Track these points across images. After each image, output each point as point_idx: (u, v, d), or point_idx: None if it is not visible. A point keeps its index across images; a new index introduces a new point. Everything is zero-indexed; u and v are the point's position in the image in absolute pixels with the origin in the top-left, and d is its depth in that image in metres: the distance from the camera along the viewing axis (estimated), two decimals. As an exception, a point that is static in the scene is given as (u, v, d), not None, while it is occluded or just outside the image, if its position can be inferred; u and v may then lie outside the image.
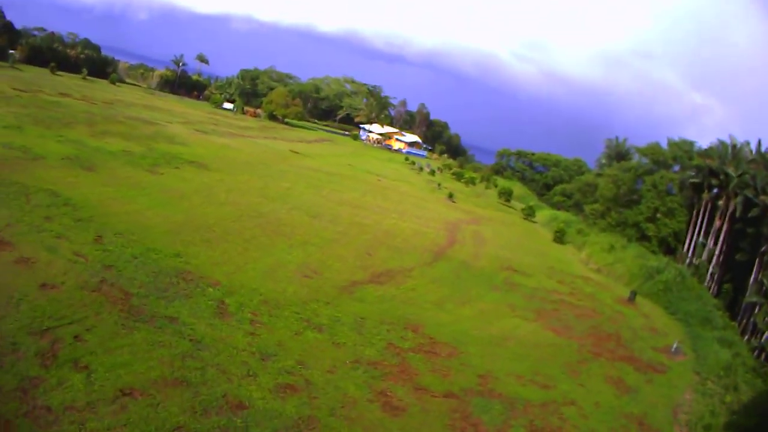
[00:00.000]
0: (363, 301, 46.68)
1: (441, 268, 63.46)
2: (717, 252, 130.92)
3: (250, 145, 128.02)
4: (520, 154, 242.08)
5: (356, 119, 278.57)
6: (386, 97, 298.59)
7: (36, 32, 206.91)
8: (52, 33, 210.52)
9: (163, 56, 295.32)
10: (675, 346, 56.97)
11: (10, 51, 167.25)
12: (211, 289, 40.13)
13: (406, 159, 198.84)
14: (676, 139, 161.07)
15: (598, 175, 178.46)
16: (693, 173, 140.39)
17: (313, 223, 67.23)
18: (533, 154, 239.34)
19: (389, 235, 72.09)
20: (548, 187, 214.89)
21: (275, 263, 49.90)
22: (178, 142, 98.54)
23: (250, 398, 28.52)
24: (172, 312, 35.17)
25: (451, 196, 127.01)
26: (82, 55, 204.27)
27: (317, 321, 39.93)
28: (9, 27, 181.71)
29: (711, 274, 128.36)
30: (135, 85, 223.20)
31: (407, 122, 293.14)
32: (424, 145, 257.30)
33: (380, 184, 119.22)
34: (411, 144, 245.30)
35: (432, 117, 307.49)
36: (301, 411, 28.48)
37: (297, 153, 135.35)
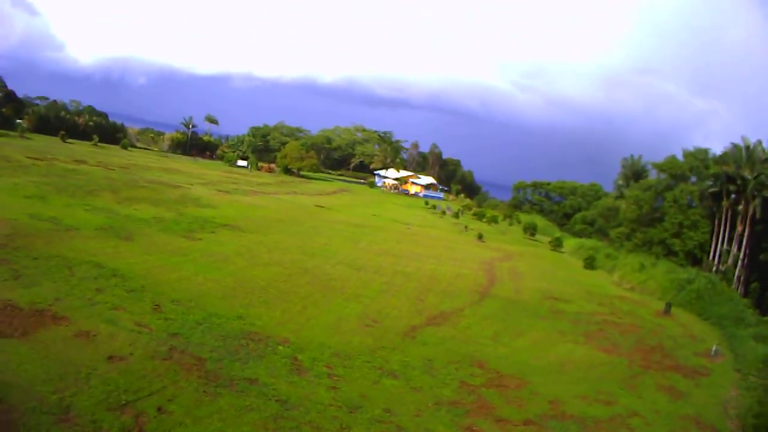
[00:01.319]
0: (426, 343, 48.51)
1: (488, 305, 65.80)
2: (741, 256, 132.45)
3: (275, 202, 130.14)
4: (535, 186, 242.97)
5: (371, 166, 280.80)
6: (398, 141, 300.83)
7: (38, 101, 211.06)
8: (55, 101, 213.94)
9: (166, 119, 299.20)
10: (714, 349, 59.42)
11: (18, 121, 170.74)
12: (281, 347, 41.15)
13: (426, 203, 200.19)
14: (691, 149, 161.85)
15: (618, 197, 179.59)
16: (711, 182, 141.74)
17: (359, 275, 69.09)
18: (549, 184, 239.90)
19: (433, 279, 74.23)
20: (568, 216, 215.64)
21: (336, 317, 51.29)
22: (206, 204, 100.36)
23: None
24: (249, 374, 35.44)
25: (480, 236, 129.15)
26: (90, 122, 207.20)
27: (389, 368, 41.50)
28: (12, 96, 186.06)
29: (737, 277, 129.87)
30: (146, 149, 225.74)
31: (420, 164, 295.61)
32: (440, 187, 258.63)
33: (410, 232, 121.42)
34: (427, 186, 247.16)
35: (443, 156, 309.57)
36: None
37: (322, 207, 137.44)
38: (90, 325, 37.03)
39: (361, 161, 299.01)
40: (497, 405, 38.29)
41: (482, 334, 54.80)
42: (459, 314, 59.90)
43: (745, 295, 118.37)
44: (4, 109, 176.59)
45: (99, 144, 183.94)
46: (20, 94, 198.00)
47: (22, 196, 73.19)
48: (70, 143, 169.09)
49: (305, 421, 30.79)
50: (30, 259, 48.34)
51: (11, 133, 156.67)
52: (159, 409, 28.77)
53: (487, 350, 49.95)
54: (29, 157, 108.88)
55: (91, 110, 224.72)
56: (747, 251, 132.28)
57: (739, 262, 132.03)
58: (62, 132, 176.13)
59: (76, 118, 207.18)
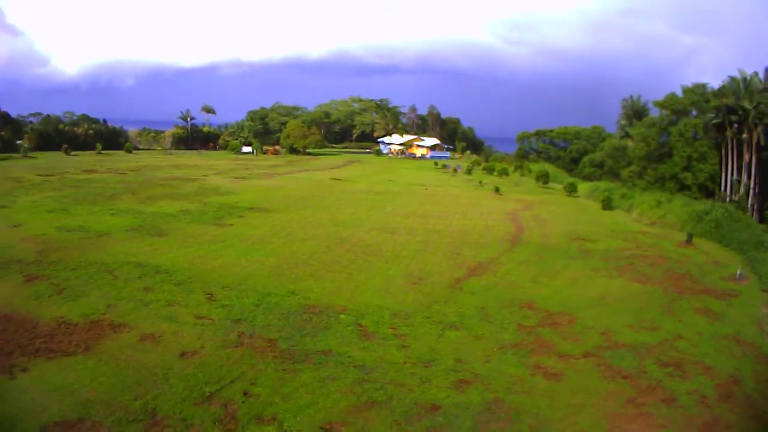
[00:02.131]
0: (474, 293, 50.49)
1: (521, 252, 67.78)
2: (752, 185, 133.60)
3: (292, 181, 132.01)
4: (539, 134, 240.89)
5: (374, 134, 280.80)
6: (395, 107, 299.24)
7: (32, 118, 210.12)
8: (49, 116, 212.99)
9: (160, 116, 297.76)
10: (739, 272, 61.57)
11: (18, 141, 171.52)
12: (342, 316, 42.73)
13: (435, 164, 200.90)
14: (688, 85, 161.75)
15: (623, 137, 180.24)
16: (713, 115, 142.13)
17: (394, 238, 71.24)
18: (551, 131, 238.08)
19: (464, 234, 76.35)
20: (575, 161, 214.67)
21: (383, 279, 53.18)
22: (225, 192, 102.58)
23: (437, 399, 30.71)
24: (321, 346, 36.99)
25: (497, 189, 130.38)
26: (90, 131, 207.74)
27: (449, 320, 43.36)
28: (7, 118, 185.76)
29: (751, 206, 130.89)
30: (150, 149, 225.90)
31: (420, 127, 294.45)
32: (445, 146, 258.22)
33: (429, 193, 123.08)
34: (432, 147, 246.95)
35: (442, 116, 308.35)
36: (484, 397, 31.20)
37: (339, 180, 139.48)
38: (151, 327, 38.48)
39: (362, 131, 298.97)
40: (556, 342, 40.56)
41: (522, 278, 56.85)
42: (496, 263, 62.09)
43: (761, 221, 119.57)
44: (3, 132, 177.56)
45: (103, 152, 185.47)
46: (13, 113, 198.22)
47: (43, 211, 74.53)
48: (75, 155, 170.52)
49: (387, 381, 32.62)
50: (69, 271, 49.54)
51: (15, 155, 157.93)
52: (245, 394, 30.11)
53: (532, 292, 52.08)
54: (39, 175, 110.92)
55: (86, 118, 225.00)
56: (756, 180, 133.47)
57: (751, 191, 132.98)
58: (65, 146, 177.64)
59: (76, 129, 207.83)
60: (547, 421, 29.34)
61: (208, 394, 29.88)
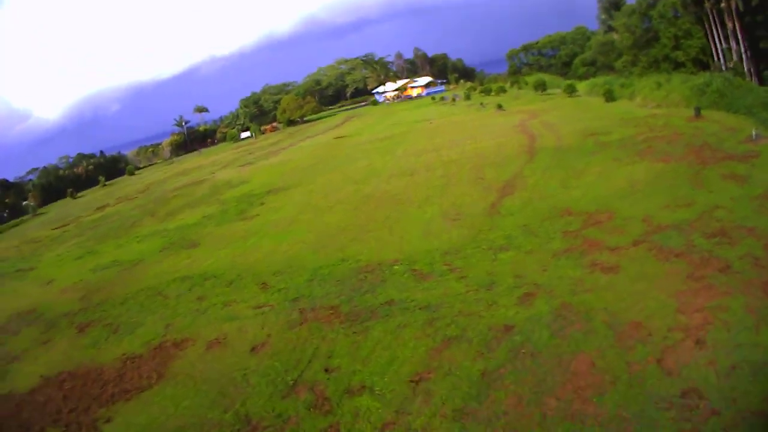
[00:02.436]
0: (512, 214, 51.14)
1: (541, 159, 68.35)
2: (743, 50, 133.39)
3: (297, 152, 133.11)
4: (526, 48, 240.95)
5: (369, 87, 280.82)
6: (382, 58, 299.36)
7: (31, 176, 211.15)
8: (45, 167, 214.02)
9: (154, 131, 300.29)
10: (754, 133, 61.37)
11: (24, 203, 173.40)
12: (396, 267, 43.57)
13: (433, 98, 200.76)
14: None
15: (607, 31, 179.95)
16: None
17: (416, 179, 71.95)
18: (537, 43, 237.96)
19: (481, 157, 76.62)
20: (567, 65, 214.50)
21: (422, 224, 53.90)
22: (238, 183, 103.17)
23: (508, 318, 31.62)
24: (383, 299, 37.74)
25: (500, 106, 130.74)
26: (90, 167, 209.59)
27: (497, 244, 44.18)
28: (5, 184, 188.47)
29: (748, 70, 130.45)
30: (151, 164, 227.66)
31: (410, 71, 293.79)
32: (439, 81, 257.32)
33: (434, 126, 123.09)
34: (427, 85, 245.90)
35: (429, 55, 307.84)
36: (551, 305, 32.14)
37: (342, 137, 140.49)
38: (214, 332, 38.99)
39: (355, 88, 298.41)
40: (603, 238, 41.30)
41: (551, 186, 57.50)
42: (521, 177, 62.69)
43: (761, 83, 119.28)
44: (7, 200, 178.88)
45: (107, 183, 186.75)
46: (10, 177, 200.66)
47: (71, 260, 74.98)
48: (81, 196, 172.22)
49: (455, 314, 33.47)
50: (118, 306, 50.00)
51: (24, 217, 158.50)
52: (326, 370, 30.45)
53: (564, 198, 52.79)
54: (55, 228, 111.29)
55: (83, 156, 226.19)
56: (746, 44, 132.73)
57: (744, 56, 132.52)
58: (69, 190, 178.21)
59: (75, 170, 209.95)
60: (618, 312, 30.20)
61: (291, 382, 30.27)
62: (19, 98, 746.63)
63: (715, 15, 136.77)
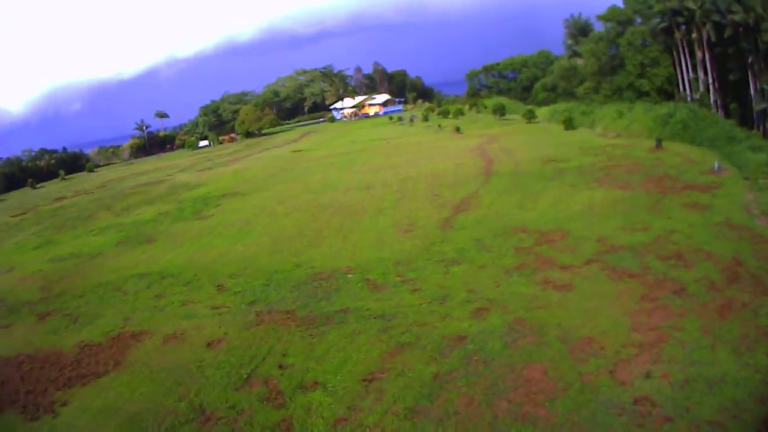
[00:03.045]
0: (465, 228, 51.31)
1: (498, 182, 68.37)
2: (710, 81, 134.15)
3: (255, 161, 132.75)
4: (486, 69, 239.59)
5: (327, 102, 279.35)
6: (340, 72, 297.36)
7: None
8: (8, 158, 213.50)
9: (114, 131, 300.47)
10: (716, 165, 62.09)
11: None
12: (350, 276, 43.61)
13: (390, 118, 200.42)
14: None
15: (571, 56, 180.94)
16: (659, 19, 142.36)
17: (372, 193, 71.80)
18: (498, 64, 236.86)
19: (437, 176, 76.61)
20: (527, 89, 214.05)
21: (375, 233, 54.15)
22: (195, 185, 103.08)
23: (462, 330, 31.63)
24: (338, 306, 37.73)
25: (458, 129, 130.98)
26: (52, 161, 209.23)
27: (449, 257, 44.31)
28: None
29: (714, 102, 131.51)
30: (110, 164, 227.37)
31: (369, 87, 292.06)
32: (397, 100, 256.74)
33: (391, 145, 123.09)
34: (384, 104, 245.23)
35: (388, 71, 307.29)
36: (504, 319, 32.13)
37: (300, 151, 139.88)
38: (172, 327, 38.92)
39: (313, 102, 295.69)
40: (556, 256, 41.40)
41: (507, 206, 57.51)
42: (477, 197, 62.78)
43: (727, 117, 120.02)
44: None
45: (66, 177, 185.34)
46: None
47: (30, 249, 74.31)
48: (41, 187, 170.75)
49: (409, 324, 33.46)
50: (78, 298, 49.44)
51: None
52: (280, 367, 30.62)
53: (520, 217, 52.83)
54: (14, 216, 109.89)
55: (45, 151, 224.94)
56: (714, 75, 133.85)
57: (711, 87, 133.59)
58: (30, 180, 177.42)
59: (38, 163, 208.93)
60: (571, 328, 30.15)
61: (245, 376, 30.41)
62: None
63: (685, 45, 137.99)
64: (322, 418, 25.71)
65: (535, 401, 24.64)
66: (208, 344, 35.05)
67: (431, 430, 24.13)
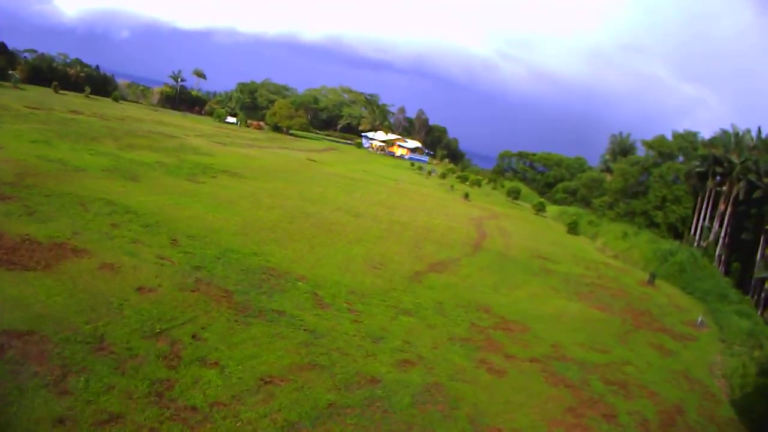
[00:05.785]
0: (432, 287, 50.68)
1: (483, 258, 68.11)
2: (723, 234, 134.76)
3: (269, 154, 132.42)
4: (521, 156, 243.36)
5: (360, 128, 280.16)
6: (384, 105, 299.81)
7: (27, 54, 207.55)
8: (43, 54, 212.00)
9: (149, 73, 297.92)
10: (700, 319, 61.73)
11: (10, 72, 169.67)
12: (300, 284, 42.55)
13: (412, 164, 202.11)
14: (681, 131, 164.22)
15: (603, 170, 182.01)
16: (698, 163, 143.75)
17: (358, 222, 71.40)
18: (534, 155, 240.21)
19: (427, 230, 76.71)
20: (550, 185, 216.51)
21: (344, 258, 53.25)
22: (204, 153, 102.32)
23: (379, 373, 30.87)
24: (276, 306, 36.69)
25: (467, 195, 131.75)
26: (81, 74, 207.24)
27: (403, 306, 43.48)
28: (3, 48, 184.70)
29: (718, 256, 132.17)
30: (136, 102, 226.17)
31: (406, 129, 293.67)
32: (426, 151, 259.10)
33: (400, 187, 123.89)
34: (413, 150, 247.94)
35: (430, 122, 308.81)
36: (425, 379, 31.26)
37: (314, 161, 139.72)
38: (112, 258, 37.88)
39: (348, 123, 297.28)
40: (505, 344, 40.63)
41: (482, 283, 57.02)
42: (457, 263, 62.23)
43: (726, 274, 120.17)
44: None
45: (91, 96, 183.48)
46: (9, 46, 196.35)
47: (27, 140, 73.89)
48: (63, 94, 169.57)
49: (334, 348, 32.61)
50: (42, 197, 48.83)
51: (5, 83, 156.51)
52: (194, 336, 29.95)
53: (490, 298, 52.15)
54: (27, 107, 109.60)
55: (79, 62, 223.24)
56: (728, 230, 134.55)
57: (720, 240, 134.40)
58: (54, 83, 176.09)
59: (68, 69, 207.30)
60: (485, 413, 29.29)
61: (157, 330, 29.58)
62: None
63: (713, 194, 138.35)
64: (204, 394, 24.95)
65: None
66: (139, 288, 34.09)
67: (295, 452, 23.17)
